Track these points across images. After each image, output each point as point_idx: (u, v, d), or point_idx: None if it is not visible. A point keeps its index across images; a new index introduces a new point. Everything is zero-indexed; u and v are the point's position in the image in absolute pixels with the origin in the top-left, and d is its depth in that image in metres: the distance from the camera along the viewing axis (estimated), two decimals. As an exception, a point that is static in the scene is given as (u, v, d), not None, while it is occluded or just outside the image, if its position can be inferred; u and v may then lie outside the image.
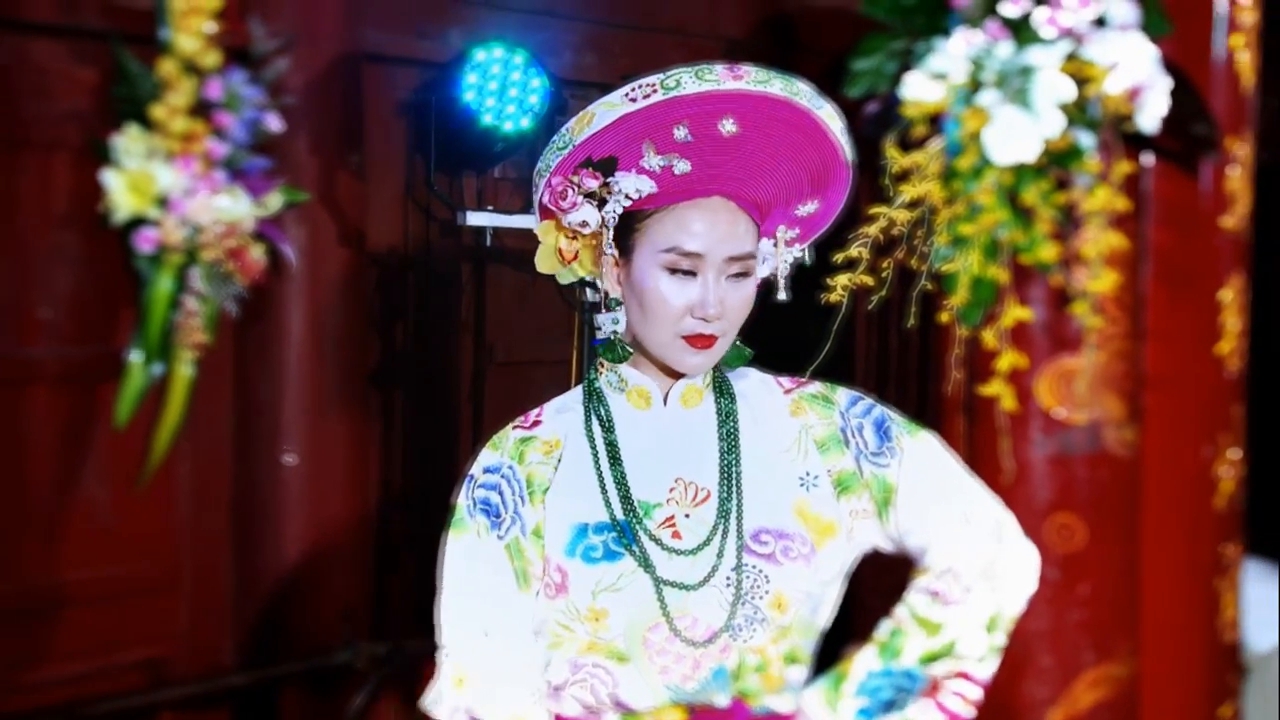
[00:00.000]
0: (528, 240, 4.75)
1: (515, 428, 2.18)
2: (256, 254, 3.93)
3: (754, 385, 2.24)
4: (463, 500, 2.14)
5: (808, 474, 2.18)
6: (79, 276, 3.87)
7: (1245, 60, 2.96)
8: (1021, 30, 2.59)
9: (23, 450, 3.82)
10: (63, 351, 3.87)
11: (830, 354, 2.47)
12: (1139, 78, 2.58)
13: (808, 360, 2.46)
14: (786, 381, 2.25)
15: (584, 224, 2.11)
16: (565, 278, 2.21)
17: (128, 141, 3.75)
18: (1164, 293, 2.77)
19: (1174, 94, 2.63)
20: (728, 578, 2.10)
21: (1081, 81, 2.57)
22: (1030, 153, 2.52)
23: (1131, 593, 2.67)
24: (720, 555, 2.11)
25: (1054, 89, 2.55)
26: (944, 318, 2.56)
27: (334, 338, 4.40)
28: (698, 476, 2.15)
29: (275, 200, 3.96)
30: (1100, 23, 2.60)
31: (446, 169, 4.62)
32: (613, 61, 4.82)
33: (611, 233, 2.11)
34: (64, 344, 3.87)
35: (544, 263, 2.20)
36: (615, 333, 2.16)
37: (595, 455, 2.14)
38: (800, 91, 2.05)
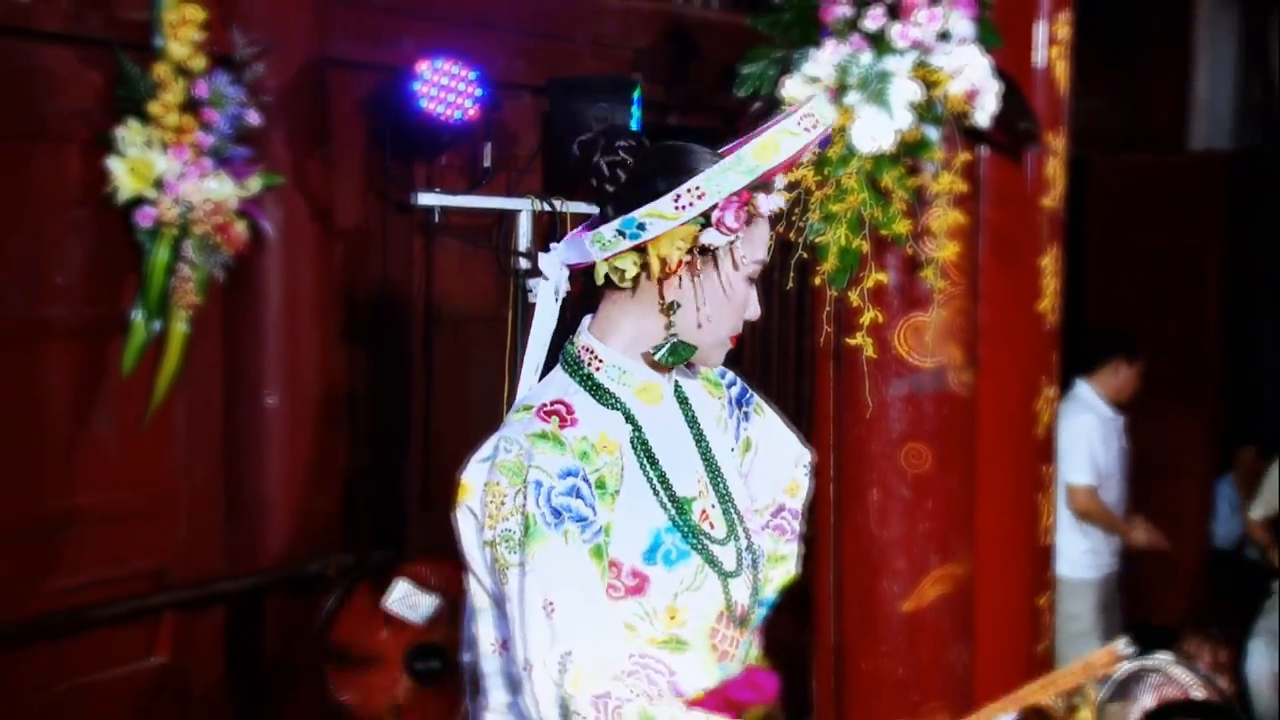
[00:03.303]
0: (469, 217, 4.74)
1: (563, 426, 1.83)
2: (240, 228, 3.90)
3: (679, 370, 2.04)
4: (537, 508, 1.76)
5: (730, 448, 2.05)
6: (89, 248, 3.80)
7: (1061, 69, 2.98)
8: (880, 42, 2.59)
9: (44, 396, 3.76)
10: (76, 312, 3.81)
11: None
12: (976, 82, 2.59)
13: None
14: None
15: (725, 241, 1.84)
16: (626, 280, 1.87)
17: (129, 134, 3.70)
18: (995, 260, 2.78)
19: (1004, 96, 2.64)
20: (745, 559, 1.93)
21: (929, 85, 2.57)
22: (887, 144, 2.52)
23: (968, 506, 2.69)
24: (737, 539, 1.93)
25: (906, 91, 2.55)
26: (817, 281, 2.56)
27: (307, 299, 4.36)
28: (700, 466, 1.96)
29: (255, 183, 3.92)
30: (944, 36, 2.60)
31: (400, 157, 4.58)
32: (539, 67, 4.79)
33: (732, 248, 1.84)
34: (77, 305, 3.81)
35: (635, 269, 1.86)
36: (674, 335, 1.87)
37: (639, 456, 1.88)
38: None
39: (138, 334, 3.81)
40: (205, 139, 3.78)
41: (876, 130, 2.52)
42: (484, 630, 1.90)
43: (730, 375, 2.09)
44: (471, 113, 4.39)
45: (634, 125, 4.53)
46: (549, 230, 4.75)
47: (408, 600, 4.19)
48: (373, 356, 4.69)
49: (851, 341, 2.52)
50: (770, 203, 1.85)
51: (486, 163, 4.67)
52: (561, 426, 1.82)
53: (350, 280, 4.56)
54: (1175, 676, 3.23)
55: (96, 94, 3.74)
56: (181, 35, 3.72)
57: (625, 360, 1.91)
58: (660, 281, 1.86)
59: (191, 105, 3.76)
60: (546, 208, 4.68)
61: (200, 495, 4.19)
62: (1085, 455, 5.05)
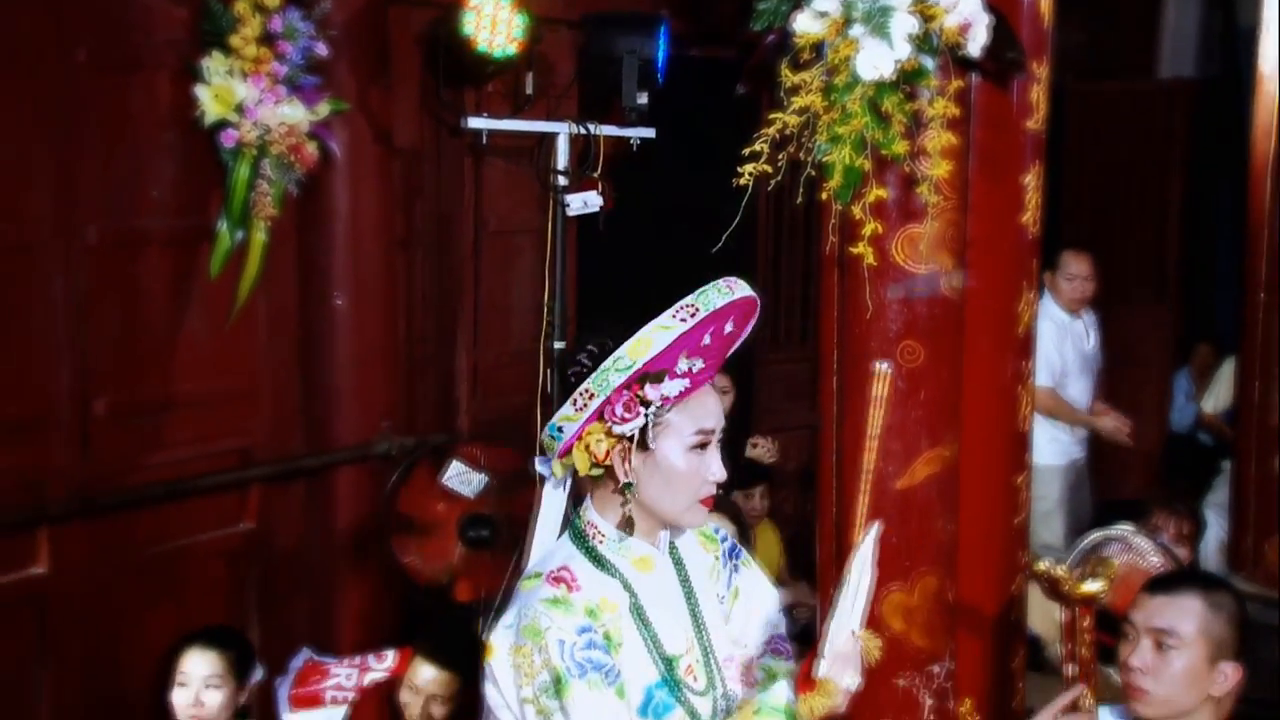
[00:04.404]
0: (513, 139, 4.71)
1: (570, 591, 1.86)
2: (311, 148, 3.88)
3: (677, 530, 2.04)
4: (561, 662, 1.80)
5: (720, 596, 2.08)
6: (179, 166, 3.79)
7: (1045, 3, 2.90)
8: (882, -21, 2.52)
9: (142, 296, 3.77)
10: (169, 222, 3.80)
11: (740, 224, 2.44)
12: (968, 16, 2.53)
13: (724, 229, 2.43)
14: None
15: (632, 428, 1.85)
16: (585, 470, 1.90)
17: (213, 64, 3.68)
18: (983, 177, 2.73)
19: (994, 29, 2.58)
20: (720, 705, 1.96)
21: (926, 19, 2.51)
22: (888, 72, 2.47)
23: (956, 397, 2.67)
24: (714, 688, 1.97)
25: (905, 24, 2.49)
26: (823, 196, 2.52)
27: (370, 212, 4.35)
28: (687, 621, 1.98)
29: (324, 108, 3.89)
30: (940, -26, 2.54)
31: (452, 85, 4.53)
32: (575, 3, 4.73)
33: (648, 431, 1.85)
34: (170, 216, 3.80)
35: (582, 464, 1.89)
36: (629, 510, 1.90)
37: (635, 620, 1.91)
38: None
39: (223, 242, 3.81)
40: (280, 69, 3.75)
41: (878, 60, 2.47)
42: None
43: (723, 532, 2.14)
44: (515, 45, 4.34)
45: (660, 56, 4.47)
46: (584, 151, 4.71)
47: (461, 477, 4.23)
48: (428, 262, 4.68)
49: (854, 250, 2.48)
50: (661, 391, 1.84)
51: (528, 90, 4.62)
52: (569, 591, 1.86)
53: (408, 195, 4.54)
54: (1136, 545, 3.23)
55: (185, 29, 3.71)
56: (259, -25, 3.68)
57: (623, 534, 1.93)
58: (606, 469, 1.88)
59: (268, 38, 3.73)
60: (582, 130, 4.64)
61: (280, 384, 4.22)
62: (1042, 359, 5.02)
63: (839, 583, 1.93)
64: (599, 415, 1.85)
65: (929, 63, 2.52)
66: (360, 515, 4.34)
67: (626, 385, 1.83)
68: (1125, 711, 2.45)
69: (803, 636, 4.11)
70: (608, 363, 1.83)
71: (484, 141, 4.56)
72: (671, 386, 1.85)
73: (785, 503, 5.47)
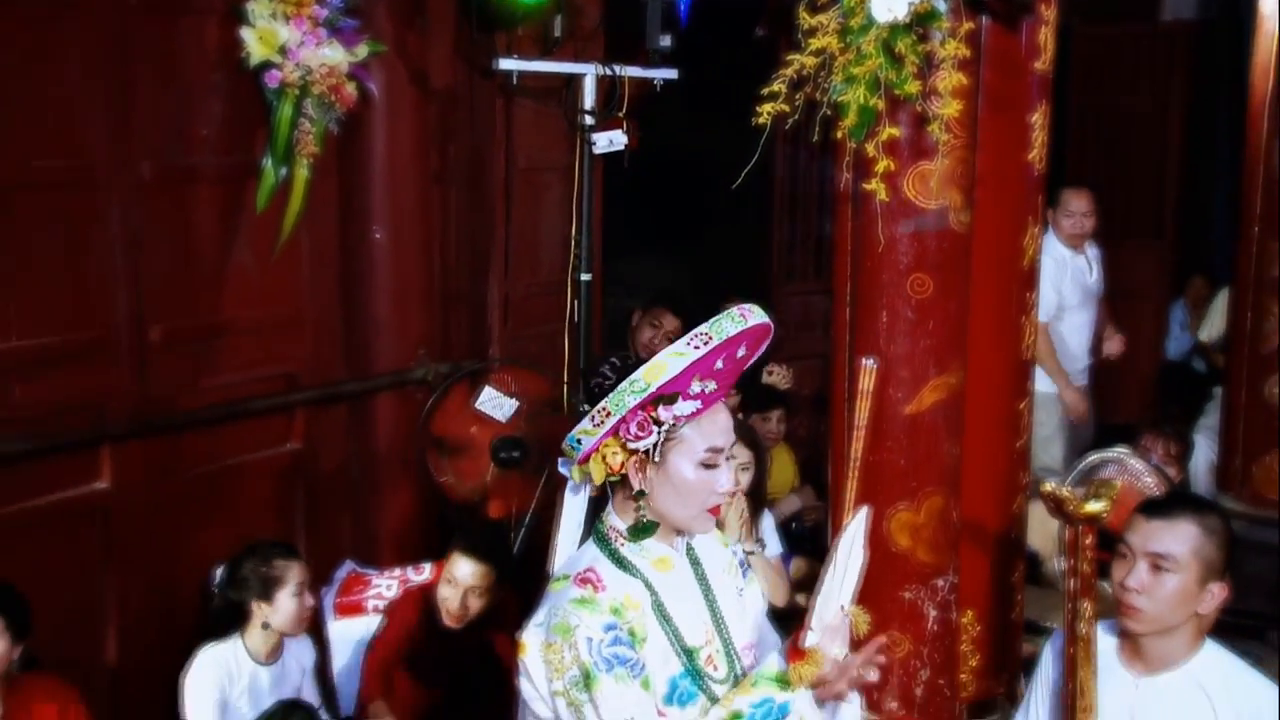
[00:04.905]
0: (542, 80, 4.68)
1: (596, 591, 1.91)
2: (350, 89, 3.86)
3: None
4: (589, 657, 1.86)
5: (740, 589, 2.11)
6: (226, 106, 3.77)
7: (1054, -52, 2.86)
8: (897, -75, 2.48)
9: (193, 230, 3.78)
10: (217, 159, 3.79)
11: (758, 161, 2.43)
12: (980, -39, 2.49)
13: (743, 165, 2.42)
14: None
15: (646, 445, 1.90)
16: (599, 480, 1.95)
17: (257, 7, 3.66)
18: (991, 116, 2.71)
19: (1004, -27, 2.55)
20: None
21: (940, -37, 2.48)
22: (901, 14, 2.44)
23: (962, 327, 2.67)
24: (736, 675, 2.02)
25: (919, -31, 2.46)
26: (838, 135, 2.51)
27: (407, 149, 4.33)
28: (706, 615, 2.03)
29: (363, 50, 3.87)
30: (953, -80, 2.49)
31: (484, 28, 4.49)
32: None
33: (660, 446, 1.90)
34: (218, 154, 3.79)
35: (598, 474, 1.94)
36: (643, 516, 1.95)
37: (657, 616, 1.95)
38: (766, 313, 1.95)
39: (268, 178, 3.81)
40: (321, 12, 3.72)
41: (892, 3, 2.44)
42: None
43: (734, 543, 2.18)
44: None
45: (683, 7, 4.43)
46: (610, 91, 4.67)
47: (493, 401, 4.26)
48: (461, 198, 4.67)
49: (867, 186, 2.48)
50: (674, 411, 1.89)
51: (557, 33, 4.58)
52: (595, 591, 1.91)
53: (442, 134, 4.52)
54: (1130, 467, 3.24)
55: (230, -28, 3.68)
56: (300, -78, 3.64)
57: (639, 538, 1.97)
58: (623, 478, 1.93)
59: (309, -18, 3.70)
60: (608, 72, 4.60)
61: (323, 313, 4.23)
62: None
63: (826, 561, 1.98)
64: (614, 431, 1.91)
65: (941, 5, 2.49)
66: (399, 437, 4.38)
67: (641, 406, 1.88)
68: (1113, 625, 2.48)
69: (812, 536, 4.14)
70: (624, 385, 1.87)
71: (514, 82, 4.53)
72: (684, 407, 1.90)
73: (799, 427, 5.49)
